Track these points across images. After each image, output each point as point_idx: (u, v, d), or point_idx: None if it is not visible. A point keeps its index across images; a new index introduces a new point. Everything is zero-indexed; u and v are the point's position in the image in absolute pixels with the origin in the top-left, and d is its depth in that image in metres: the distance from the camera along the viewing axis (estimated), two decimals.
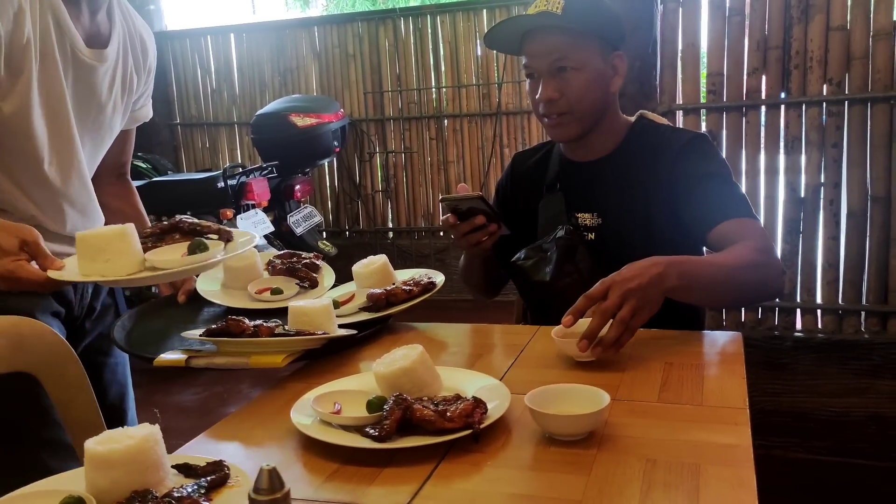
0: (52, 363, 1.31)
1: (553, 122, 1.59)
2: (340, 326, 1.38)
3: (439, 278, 1.56)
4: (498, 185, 1.88)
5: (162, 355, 1.27)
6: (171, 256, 1.35)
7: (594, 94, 1.56)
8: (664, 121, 1.79)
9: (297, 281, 1.58)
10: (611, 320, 1.20)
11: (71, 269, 1.27)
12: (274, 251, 1.81)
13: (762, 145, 2.73)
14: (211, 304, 1.55)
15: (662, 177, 1.58)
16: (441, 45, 4.98)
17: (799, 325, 2.82)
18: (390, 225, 5.32)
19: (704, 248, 1.70)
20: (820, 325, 2.79)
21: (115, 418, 1.50)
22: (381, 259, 1.57)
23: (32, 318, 1.31)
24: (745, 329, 2.84)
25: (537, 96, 1.57)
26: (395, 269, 1.63)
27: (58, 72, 1.36)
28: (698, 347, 1.32)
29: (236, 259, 1.59)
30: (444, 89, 5.01)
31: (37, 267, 1.25)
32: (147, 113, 1.63)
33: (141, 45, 1.53)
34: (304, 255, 1.66)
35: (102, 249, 1.24)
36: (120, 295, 1.62)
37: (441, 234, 5.17)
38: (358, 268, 1.58)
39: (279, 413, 1.11)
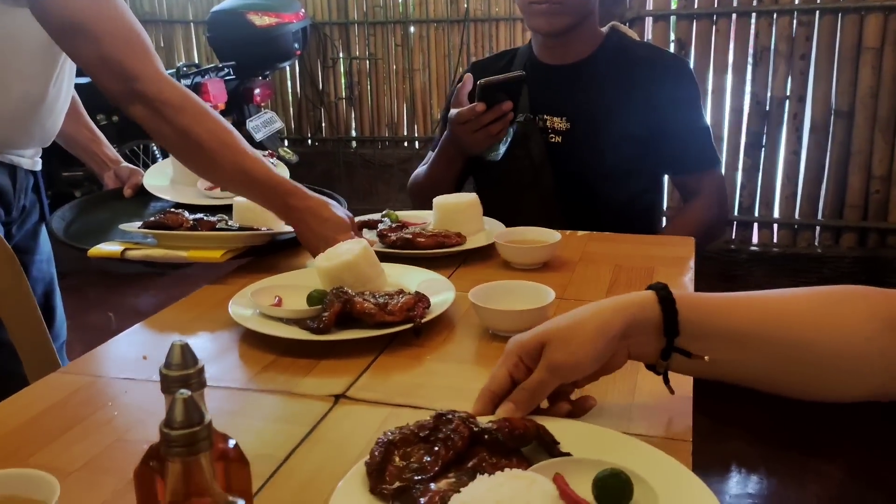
0: None
1: (544, 10, 1.52)
2: None
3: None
4: (448, 98, 1.80)
5: (97, 246, 1.22)
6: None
7: None
8: (635, 35, 1.77)
9: None
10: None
11: None
12: None
13: (731, 55, 2.68)
14: (158, 199, 1.50)
15: (639, 94, 1.57)
16: None
17: (755, 239, 2.84)
18: (353, 134, 5.20)
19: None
20: (776, 240, 2.81)
21: (43, 315, 1.45)
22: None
23: None
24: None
25: None
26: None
27: None
28: (650, 251, 1.31)
29: None
30: None
31: None
32: None
33: None
34: (257, 152, 1.60)
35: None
36: (43, 193, 1.55)
37: (405, 144, 5.08)
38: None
39: (219, 306, 1.07)
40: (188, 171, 1.51)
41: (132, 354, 0.95)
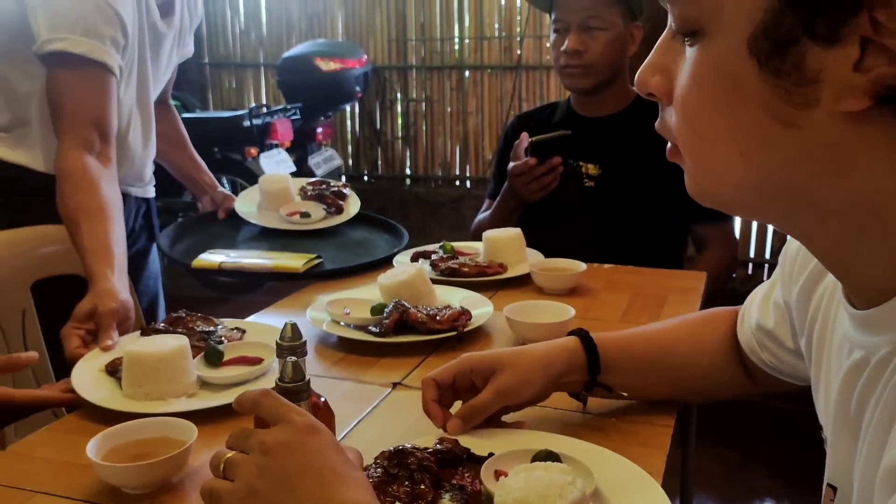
0: None
1: (572, 72, 1.76)
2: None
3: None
4: (500, 147, 2.01)
5: (198, 258, 1.48)
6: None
7: (612, 53, 1.74)
8: None
9: (325, 206, 1.76)
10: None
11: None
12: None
13: None
14: (248, 222, 1.74)
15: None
16: None
17: None
18: (408, 172, 5.46)
19: None
20: None
21: (151, 314, 1.72)
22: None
23: None
24: (735, 283, 3.00)
25: (563, 48, 1.73)
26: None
27: (144, 46, 1.51)
28: (665, 282, 1.50)
29: (271, 183, 1.78)
30: (468, 41, 5.10)
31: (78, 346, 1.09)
32: (190, 50, 1.78)
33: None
34: (333, 182, 1.84)
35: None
36: (155, 218, 1.81)
37: (457, 183, 5.32)
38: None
39: (300, 313, 1.30)
40: (273, 198, 1.76)
41: None
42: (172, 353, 0.94)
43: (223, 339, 1.08)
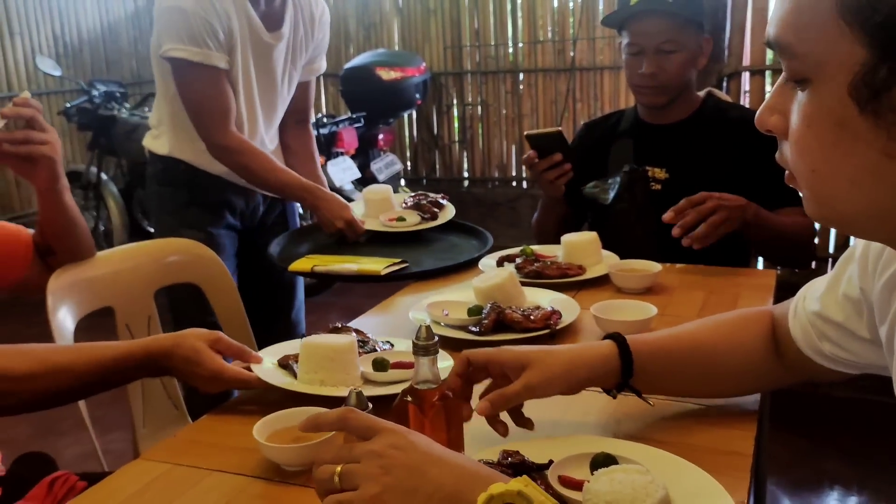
0: (212, 277, 1.68)
1: (646, 92, 1.86)
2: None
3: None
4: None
5: (294, 263, 1.70)
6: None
7: (686, 71, 1.84)
8: (729, 98, 2.06)
9: (420, 213, 1.94)
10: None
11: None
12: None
13: None
14: None
15: (731, 151, 1.84)
16: None
17: None
18: (465, 174, 5.59)
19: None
20: None
21: (285, 305, 2.02)
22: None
23: (208, 231, 1.73)
24: (797, 277, 3.04)
25: (640, 70, 1.82)
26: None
27: (248, 55, 1.75)
28: (737, 280, 1.59)
29: (373, 193, 2.00)
30: (521, 45, 5.20)
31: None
32: (321, 66, 2.03)
33: (309, 17, 1.87)
34: (431, 195, 2.03)
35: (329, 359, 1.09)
36: (294, 215, 2.06)
37: (514, 184, 5.42)
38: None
39: (401, 314, 1.43)
40: (375, 207, 1.94)
41: None
42: (345, 347, 1.09)
43: (375, 349, 1.20)
